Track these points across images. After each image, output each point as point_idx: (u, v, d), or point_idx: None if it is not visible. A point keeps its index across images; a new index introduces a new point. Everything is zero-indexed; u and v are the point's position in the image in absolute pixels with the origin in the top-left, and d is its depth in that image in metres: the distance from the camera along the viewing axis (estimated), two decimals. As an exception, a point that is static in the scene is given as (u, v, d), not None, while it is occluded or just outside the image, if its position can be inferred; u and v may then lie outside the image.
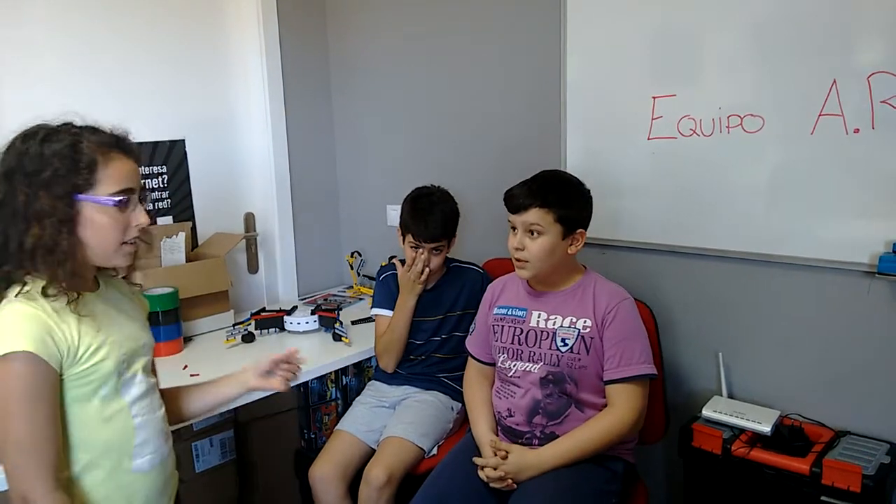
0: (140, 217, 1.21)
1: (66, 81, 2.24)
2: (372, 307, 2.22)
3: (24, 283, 1.14)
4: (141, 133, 2.35)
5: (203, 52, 2.61)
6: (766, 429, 1.73)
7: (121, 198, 1.17)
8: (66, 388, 1.16)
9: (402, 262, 2.15)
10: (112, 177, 1.16)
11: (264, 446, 2.51)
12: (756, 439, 1.74)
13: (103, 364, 1.18)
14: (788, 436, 1.72)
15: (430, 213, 2.04)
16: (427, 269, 2.04)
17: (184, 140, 2.57)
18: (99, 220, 1.16)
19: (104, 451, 1.22)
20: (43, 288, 1.13)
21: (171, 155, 2.54)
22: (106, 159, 1.16)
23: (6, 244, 1.13)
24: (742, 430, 1.75)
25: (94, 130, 1.18)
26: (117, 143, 1.19)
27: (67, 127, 1.17)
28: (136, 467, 1.26)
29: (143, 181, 1.29)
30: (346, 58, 2.88)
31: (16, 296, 1.13)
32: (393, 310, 2.14)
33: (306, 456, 2.48)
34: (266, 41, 2.68)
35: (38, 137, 1.14)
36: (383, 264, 2.71)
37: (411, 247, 2.05)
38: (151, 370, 1.36)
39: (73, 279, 1.16)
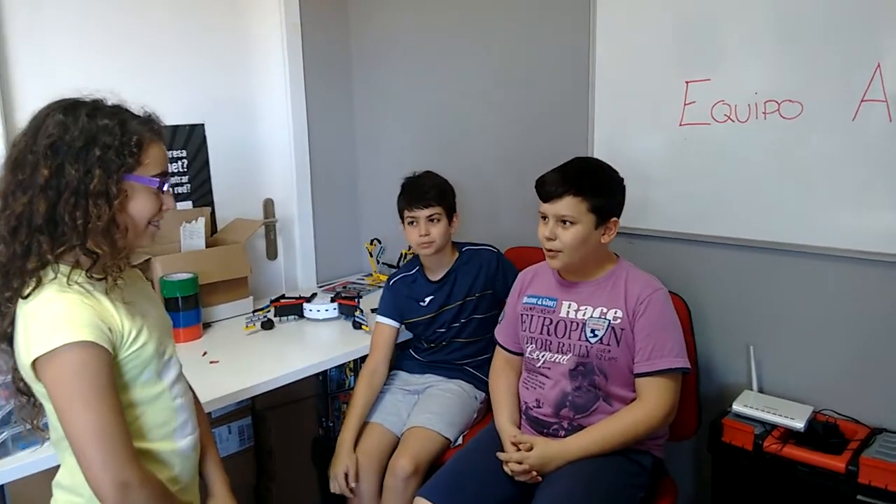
0: (169, 201, 1.22)
1: (85, 64, 2.21)
2: (377, 311, 2.16)
3: (52, 272, 1.12)
4: (160, 116, 2.39)
5: (223, 34, 2.58)
6: (799, 425, 1.68)
7: (162, 180, 1.18)
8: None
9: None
10: (154, 158, 1.17)
11: (282, 434, 2.49)
12: (788, 435, 1.69)
13: (145, 349, 1.17)
14: (823, 432, 1.67)
15: (418, 182, 2.04)
16: (428, 239, 1.99)
17: (203, 124, 2.54)
18: (141, 201, 1.16)
19: (149, 435, 1.21)
20: (87, 270, 1.12)
21: (191, 139, 2.51)
22: (149, 140, 1.16)
23: (56, 223, 1.09)
24: (774, 426, 1.70)
25: (129, 111, 1.18)
26: (157, 127, 1.20)
27: (103, 103, 1.16)
28: (181, 450, 1.26)
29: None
30: (368, 41, 2.83)
31: (48, 284, 1.10)
32: (396, 319, 2.09)
33: (324, 444, 2.47)
34: (287, 24, 2.64)
35: (82, 110, 1.12)
36: (404, 252, 2.70)
37: (410, 223, 2.01)
38: None
39: (123, 259, 1.16)
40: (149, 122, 1.18)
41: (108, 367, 1.09)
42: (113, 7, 2.28)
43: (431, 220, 1.99)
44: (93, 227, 1.09)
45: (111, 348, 1.11)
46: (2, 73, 2.06)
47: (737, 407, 1.77)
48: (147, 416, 1.20)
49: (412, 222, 2.00)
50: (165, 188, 1.20)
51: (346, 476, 1.88)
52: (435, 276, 2.11)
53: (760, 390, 1.87)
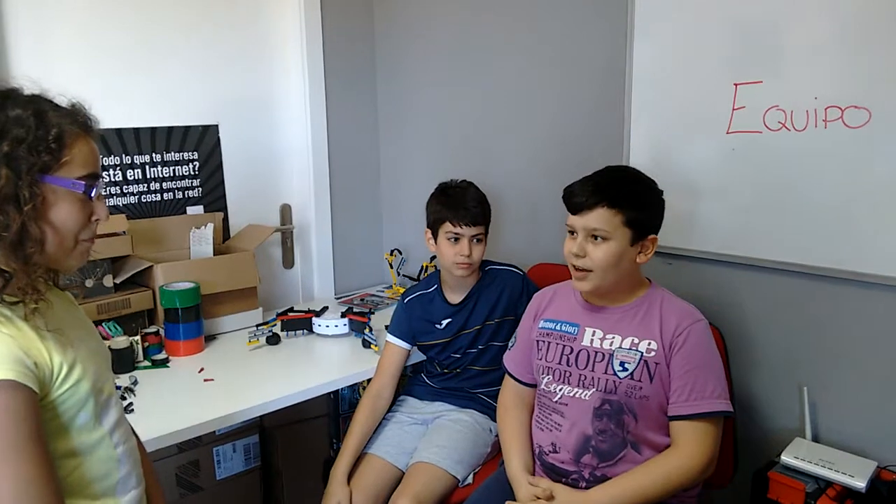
0: (101, 210, 1.03)
1: (89, 60, 2.12)
2: (388, 329, 2.00)
3: None
4: (171, 117, 2.30)
5: (239, 31, 2.45)
6: (860, 484, 1.44)
7: (89, 183, 1.00)
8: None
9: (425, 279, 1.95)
10: (79, 157, 0.98)
11: (291, 454, 2.37)
12: (846, 495, 1.45)
13: (79, 386, 0.99)
14: (888, 495, 1.43)
15: (464, 196, 1.86)
16: (469, 261, 1.84)
17: (217, 125, 2.42)
18: (64, 209, 0.98)
19: (87, 491, 1.03)
20: None
21: (204, 141, 2.40)
22: (73, 136, 0.98)
23: None
24: (829, 483, 1.47)
25: (50, 100, 1.00)
26: (82, 119, 1.01)
27: (17, 91, 0.98)
28: None
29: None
30: (392, 40, 2.68)
31: None
32: (408, 341, 1.94)
33: (335, 466, 2.33)
34: (307, 21, 2.50)
35: None
36: (425, 264, 2.54)
37: (449, 238, 1.84)
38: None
39: (39, 280, 0.98)
40: (74, 113, 1.00)
41: (33, 410, 0.91)
42: (121, 1, 2.17)
43: (475, 240, 1.84)
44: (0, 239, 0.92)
45: (38, 387, 0.92)
46: (2, 72, 1.97)
47: (786, 458, 1.54)
48: (85, 469, 1.02)
49: (454, 239, 1.83)
50: (94, 193, 1.00)
51: None
52: (455, 298, 1.94)
53: (815, 439, 1.63)
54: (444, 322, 1.92)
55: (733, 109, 1.70)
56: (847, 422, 1.61)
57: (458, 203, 1.84)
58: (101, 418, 1.05)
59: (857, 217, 1.54)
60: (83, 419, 1.01)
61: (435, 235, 1.88)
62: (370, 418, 1.86)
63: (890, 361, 1.55)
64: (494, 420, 1.87)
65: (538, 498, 1.43)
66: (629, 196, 1.42)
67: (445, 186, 1.92)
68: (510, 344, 1.71)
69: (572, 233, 1.47)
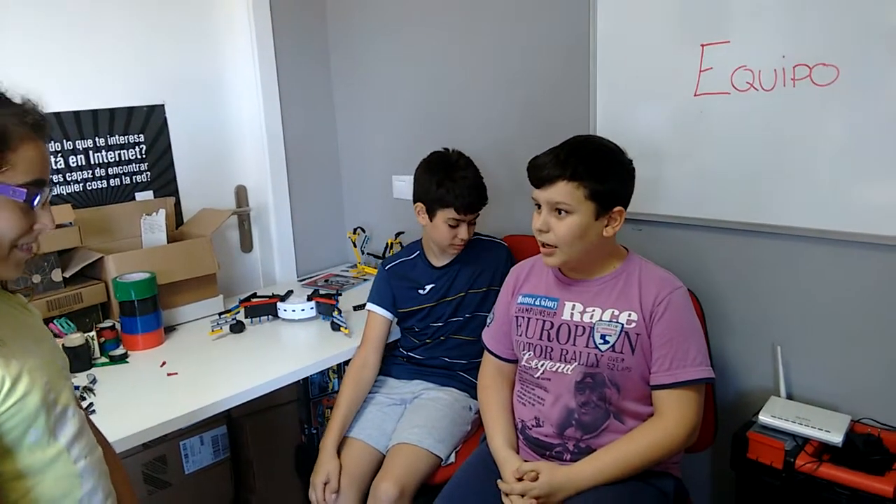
0: (46, 219, 0.94)
1: (23, 38, 1.97)
2: (368, 299, 1.96)
3: None
4: (113, 98, 2.16)
5: (182, 6, 2.31)
6: (836, 439, 1.46)
7: (33, 191, 0.90)
8: None
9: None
10: (25, 161, 0.89)
11: (261, 442, 2.30)
12: (822, 450, 1.47)
13: (27, 401, 0.91)
14: (863, 447, 1.45)
15: (471, 183, 1.80)
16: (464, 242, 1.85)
17: (163, 105, 2.29)
18: (2, 217, 0.89)
19: None
20: None
21: (150, 122, 2.27)
22: (19, 138, 0.88)
23: None
24: (806, 440, 1.49)
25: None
26: (32, 119, 0.90)
27: None
28: None
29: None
30: (345, 9, 2.57)
31: None
32: (389, 309, 1.90)
33: (308, 452, 2.28)
34: (253, -8, 2.38)
35: None
36: (390, 241, 2.48)
37: (451, 225, 1.80)
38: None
39: None
40: (23, 111, 0.90)
41: None
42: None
43: (472, 222, 1.84)
44: None
45: None
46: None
47: (764, 418, 1.55)
48: (40, 489, 0.94)
49: (455, 224, 1.80)
50: (37, 202, 0.90)
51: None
52: (439, 261, 1.91)
53: (789, 396, 1.65)
54: (428, 287, 1.90)
55: (700, 71, 1.68)
56: (819, 378, 1.64)
57: (465, 192, 1.78)
58: (57, 432, 0.96)
59: (826, 175, 1.54)
60: (34, 436, 0.93)
61: (430, 212, 1.82)
62: (357, 389, 1.83)
63: (858, 316, 1.57)
64: (474, 398, 1.85)
65: (522, 479, 1.41)
66: (592, 168, 1.38)
67: (449, 166, 1.82)
68: (488, 320, 1.67)
69: (538, 206, 1.44)
